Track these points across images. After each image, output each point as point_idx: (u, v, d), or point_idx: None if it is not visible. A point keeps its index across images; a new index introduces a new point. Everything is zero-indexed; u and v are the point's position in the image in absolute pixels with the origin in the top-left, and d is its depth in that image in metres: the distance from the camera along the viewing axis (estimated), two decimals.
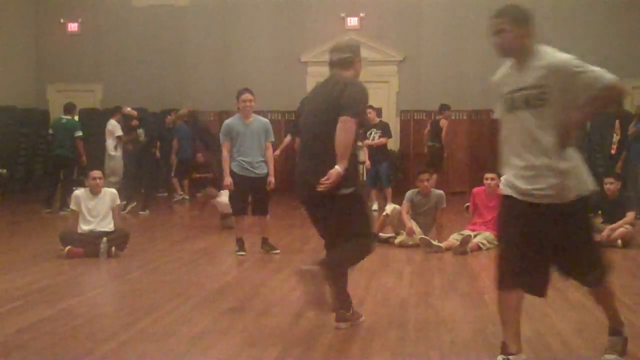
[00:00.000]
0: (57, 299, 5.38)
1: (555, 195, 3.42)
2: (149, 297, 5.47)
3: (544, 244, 3.48)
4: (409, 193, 8.27)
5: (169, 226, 10.50)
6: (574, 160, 3.46)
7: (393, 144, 14.02)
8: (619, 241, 7.81)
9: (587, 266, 3.57)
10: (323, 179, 4.20)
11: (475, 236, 7.67)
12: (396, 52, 15.54)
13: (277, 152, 11.55)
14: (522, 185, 3.48)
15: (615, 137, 11.57)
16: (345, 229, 4.35)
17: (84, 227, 7.32)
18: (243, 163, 7.31)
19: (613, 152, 11.68)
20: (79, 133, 11.50)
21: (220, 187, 8.60)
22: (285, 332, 4.46)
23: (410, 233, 7.84)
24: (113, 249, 7.17)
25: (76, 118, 11.94)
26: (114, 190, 7.80)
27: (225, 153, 7.35)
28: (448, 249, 7.56)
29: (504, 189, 3.60)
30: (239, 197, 7.44)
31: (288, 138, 12.12)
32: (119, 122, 12.21)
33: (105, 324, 4.80)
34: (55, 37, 16.68)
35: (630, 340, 3.82)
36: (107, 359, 3.93)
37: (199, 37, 16.16)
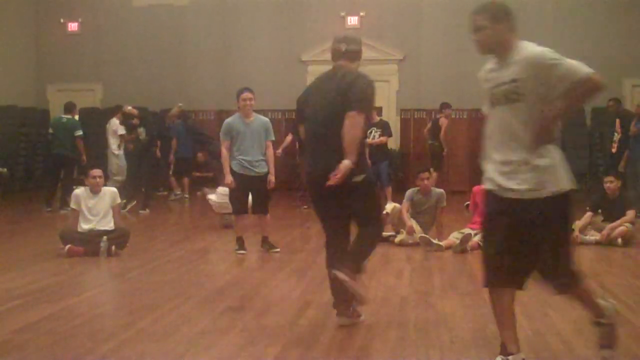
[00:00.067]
0: (57, 298, 5.38)
1: (529, 190, 3.38)
2: (149, 296, 5.47)
3: (525, 240, 3.42)
4: (409, 192, 8.27)
5: (169, 225, 10.50)
6: (552, 157, 3.42)
7: (393, 143, 14.02)
8: (619, 240, 7.81)
9: (555, 269, 3.47)
10: (333, 173, 4.23)
11: (475, 235, 7.65)
12: (396, 51, 15.54)
13: (279, 150, 11.58)
14: (502, 181, 3.47)
15: (616, 136, 11.56)
16: (360, 215, 4.46)
17: (84, 226, 7.31)
18: (243, 162, 7.31)
19: (614, 150, 11.66)
20: (79, 132, 11.50)
21: (219, 185, 8.61)
22: (285, 332, 4.46)
23: (411, 232, 7.84)
24: (113, 248, 7.17)
25: (76, 117, 11.94)
26: (114, 189, 7.79)
27: (224, 152, 7.35)
28: (448, 247, 7.57)
29: (486, 184, 3.59)
30: (239, 196, 7.43)
31: (289, 137, 12.13)
32: (120, 121, 12.23)
33: (105, 323, 4.79)
34: (55, 37, 16.69)
35: (631, 341, 3.81)
36: (107, 359, 3.93)
37: (198, 37, 16.17)
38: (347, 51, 4.54)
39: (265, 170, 7.39)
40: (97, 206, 7.39)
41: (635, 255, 7.46)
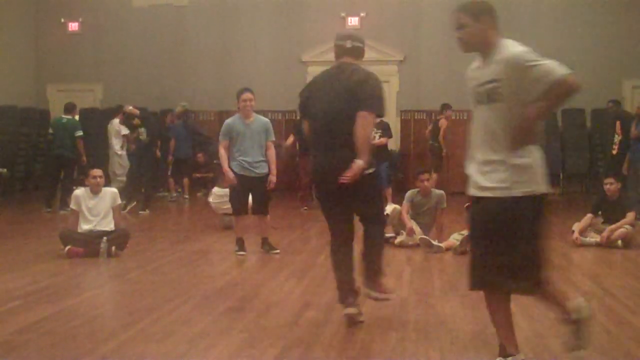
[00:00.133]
0: (57, 298, 5.38)
1: (500, 188, 3.36)
2: (149, 297, 5.47)
3: (507, 240, 3.38)
4: (409, 193, 8.26)
5: (169, 226, 10.49)
6: (533, 157, 3.38)
7: (393, 144, 14.01)
8: (620, 242, 7.81)
9: (521, 270, 3.39)
10: (345, 173, 4.24)
11: None
12: (396, 51, 15.54)
13: (290, 140, 11.82)
14: (481, 180, 3.47)
15: (617, 138, 11.55)
16: (367, 211, 4.55)
17: (84, 227, 7.31)
18: (243, 163, 7.30)
19: (614, 152, 11.66)
20: (80, 133, 11.49)
21: (217, 184, 8.60)
22: (285, 332, 4.45)
23: (411, 233, 7.84)
24: (113, 248, 7.17)
25: (76, 118, 11.94)
26: (114, 190, 7.78)
27: (222, 151, 7.34)
28: (448, 249, 7.56)
29: (469, 188, 3.59)
30: (239, 196, 7.42)
31: (291, 139, 12.13)
32: (122, 121, 12.24)
33: (105, 324, 4.80)
34: (55, 37, 16.68)
35: (632, 343, 3.81)
36: (107, 359, 3.93)
37: (198, 37, 16.16)
38: (353, 48, 4.53)
39: (266, 171, 7.38)
40: (97, 207, 7.38)
41: (635, 257, 7.45)
